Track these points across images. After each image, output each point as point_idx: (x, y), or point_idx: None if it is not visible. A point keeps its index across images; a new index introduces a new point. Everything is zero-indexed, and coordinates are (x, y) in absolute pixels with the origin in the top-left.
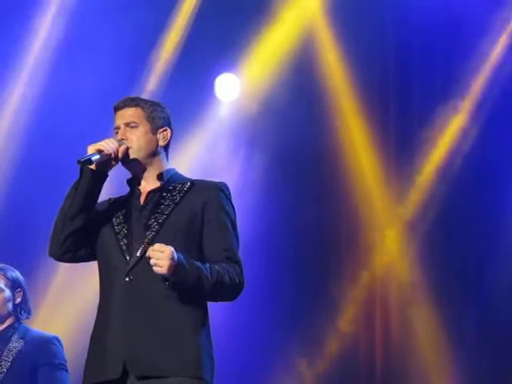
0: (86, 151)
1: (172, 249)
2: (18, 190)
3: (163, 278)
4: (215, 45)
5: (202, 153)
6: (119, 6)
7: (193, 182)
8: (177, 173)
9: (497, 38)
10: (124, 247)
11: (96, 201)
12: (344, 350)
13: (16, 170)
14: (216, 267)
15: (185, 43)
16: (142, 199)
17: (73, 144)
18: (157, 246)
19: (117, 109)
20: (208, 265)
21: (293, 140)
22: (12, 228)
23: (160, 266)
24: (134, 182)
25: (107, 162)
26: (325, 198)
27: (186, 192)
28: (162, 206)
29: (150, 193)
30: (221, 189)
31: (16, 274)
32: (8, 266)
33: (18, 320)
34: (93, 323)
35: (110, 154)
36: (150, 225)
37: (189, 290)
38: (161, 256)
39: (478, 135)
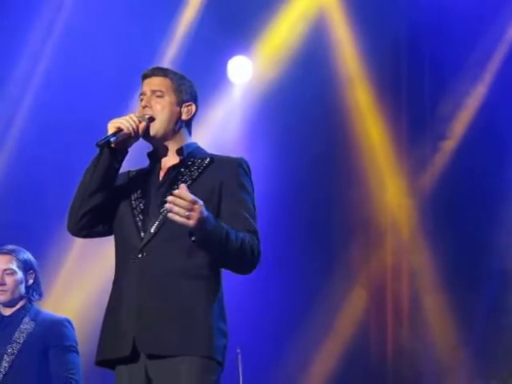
0: (106, 129)
1: (201, 203)
2: (27, 171)
3: (190, 232)
4: (228, 27)
5: (214, 135)
6: None
7: (212, 158)
8: (198, 147)
9: None
10: (139, 223)
11: (115, 178)
12: (355, 337)
13: (24, 152)
14: (240, 234)
15: (197, 26)
16: (161, 174)
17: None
18: (190, 196)
19: (145, 76)
20: (234, 231)
21: (305, 122)
22: (20, 209)
23: (189, 218)
24: (154, 156)
25: (126, 139)
26: (336, 181)
27: (205, 168)
28: (179, 182)
29: (169, 169)
30: (240, 164)
31: (28, 255)
32: (19, 248)
33: (29, 302)
34: (103, 306)
35: (130, 133)
36: (166, 201)
37: (213, 248)
38: (194, 207)
39: (489, 125)
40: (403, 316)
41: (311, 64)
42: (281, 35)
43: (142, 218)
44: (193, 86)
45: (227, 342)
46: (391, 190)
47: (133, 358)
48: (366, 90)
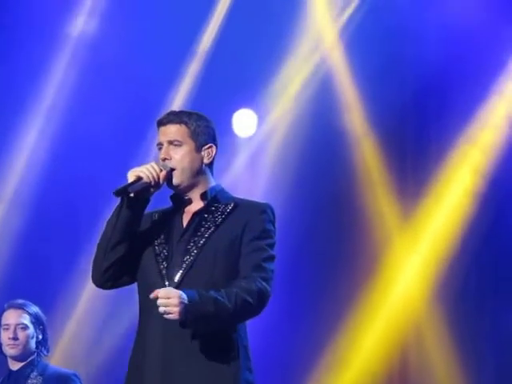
0: (126, 178)
1: (179, 293)
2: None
3: (180, 322)
4: (232, 81)
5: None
6: (134, 40)
7: (236, 203)
8: (222, 190)
9: None
10: (164, 271)
11: (137, 228)
12: None
13: (40, 198)
14: (234, 289)
15: (202, 81)
16: (185, 220)
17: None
18: (162, 292)
19: (160, 124)
20: (223, 291)
21: (310, 176)
22: (31, 263)
23: (170, 313)
24: (177, 199)
25: (147, 188)
26: (343, 232)
27: (229, 213)
28: (203, 229)
29: (194, 215)
30: (264, 211)
31: (37, 309)
32: (29, 302)
33: (38, 357)
34: (112, 360)
35: (150, 182)
36: (190, 248)
37: (211, 323)
38: (168, 302)
39: (495, 174)
40: (410, 366)
41: (316, 116)
42: (288, 90)
43: (166, 265)
44: (210, 125)
45: (253, 378)
46: (397, 245)
47: None
48: (372, 147)
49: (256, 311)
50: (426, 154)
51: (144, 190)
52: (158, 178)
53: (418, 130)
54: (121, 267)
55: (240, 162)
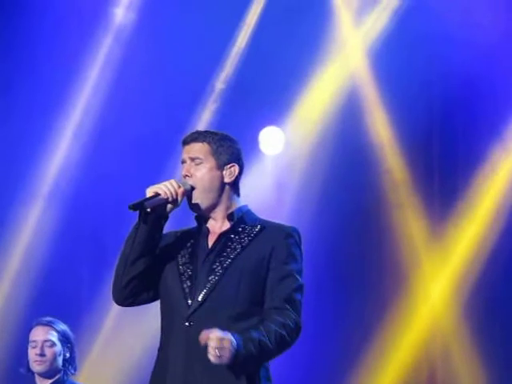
0: (144, 194)
1: (231, 338)
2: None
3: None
4: (258, 98)
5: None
6: (162, 54)
7: (263, 225)
8: (248, 211)
9: None
10: (187, 290)
11: (157, 244)
12: None
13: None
14: (272, 327)
15: (229, 98)
16: (210, 240)
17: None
18: (216, 336)
19: (184, 143)
20: (263, 329)
21: (337, 195)
22: (56, 280)
23: (221, 356)
24: (202, 220)
25: (164, 204)
26: (370, 252)
27: (256, 236)
28: (229, 250)
29: (220, 235)
30: (291, 234)
31: (65, 327)
32: (57, 320)
33: (65, 375)
34: (136, 378)
35: (167, 198)
36: (215, 268)
37: (253, 363)
38: (223, 348)
39: None
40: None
41: (343, 134)
42: (313, 105)
43: (189, 284)
44: (234, 145)
45: None
46: (425, 265)
47: None
48: (399, 165)
49: (291, 346)
50: (453, 172)
51: (161, 206)
52: (177, 195)
53: (444, 147)
54: (140, 283)
55: (266, 180)
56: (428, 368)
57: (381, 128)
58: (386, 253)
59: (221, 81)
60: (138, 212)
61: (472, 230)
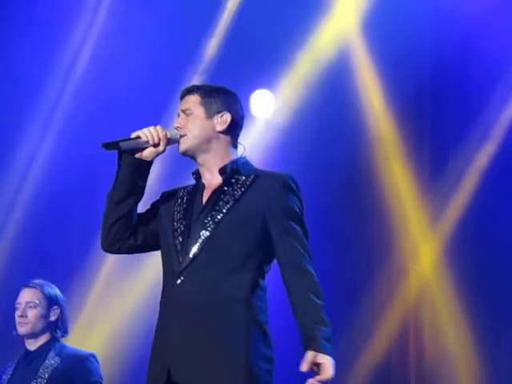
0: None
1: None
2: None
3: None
4: (249, 62)
5: None
6: (150, 19)
7: (257, 175)
8: (245, 162)
9: None
10: (178, 246)
11: (141, 188)
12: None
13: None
14: (316, 303)
15: (218, 62)
16: (205, 196)
17: None
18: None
19: (180, 96)
20: (314, 308)
21: (326, 157)
22: (47, 243)
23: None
24: (198, 175)
25: (144, 148)
26: (358, 215)
27: (249, 186)
28: (221, 203)
29: (213, 190)
30: (285, 182)
31: (55, 291)
32: (47, 283)
33: (53, 337)
34: (128, 340)
35: (147, 141)
36: (206, 223)
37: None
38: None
39: None
40: (425, 354)
41: (333, 97)
42: (303, 68)
43: (181, 240)
44: (227, 95)
45: (273, 368)
46: (413, 224)
47: None
48: (389, 124)
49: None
50: (444, 135)
51: (141, 150)
52: (159, 139)
53: (435, 109)
54: (125, 226)
55: (256, 143)
56: (415, 329)
57: (371, 90)
58: (377, 212)
59: (211, 45)
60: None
61: (462, 194)
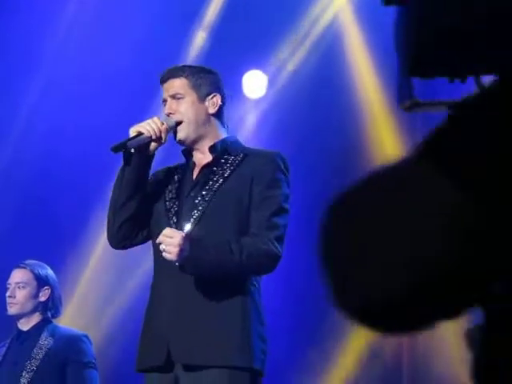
0: (128, 134)
1: (182, 234)
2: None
3: (179, 265)
4: (241, 42)
5: None
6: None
7: (246, 153)
8: (235, 142)
9: None
10: (173, 226)
11: (144, 184)
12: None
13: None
14: (241, 241)
15: (211, 42)
16: (195, 174)
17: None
18: (167, 231)
19: (162, 81)
20: (231, 243)
21: (318, 135)
22: (39, 224)
23: (169, 253)
24: (188, 154)
25: (148, 143)
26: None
27: (238, 165)
28: (211, 182)
29: (202, 168)
30: (274, 159)
31: (46, 271)
32: (38, 263)
33: (45, 318)
34: (121, 321)
35: (151, 136)
36: (197, 203)
37: (212, 269)
38: (170, 242)
39: None
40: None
41: (325, 74)
42: (298, 50)
43: (175, 220)
44: (213, 76)
45: (267, 347)
46: None
47: (168, 367)
48: (381, 98)
49: (262, 271)
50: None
51: (145, 145)
52: (160, 132)
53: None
54: (133, 225)
55: (249, 123)
56: None
57: (363, 70)
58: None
59: (203, 28)
60: (122, 154)
61: None
